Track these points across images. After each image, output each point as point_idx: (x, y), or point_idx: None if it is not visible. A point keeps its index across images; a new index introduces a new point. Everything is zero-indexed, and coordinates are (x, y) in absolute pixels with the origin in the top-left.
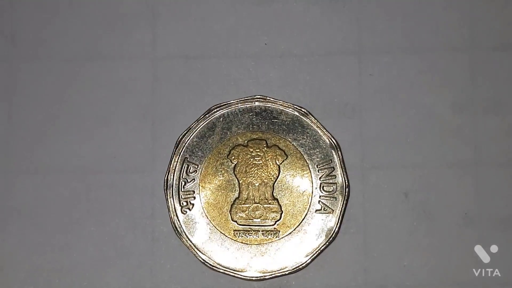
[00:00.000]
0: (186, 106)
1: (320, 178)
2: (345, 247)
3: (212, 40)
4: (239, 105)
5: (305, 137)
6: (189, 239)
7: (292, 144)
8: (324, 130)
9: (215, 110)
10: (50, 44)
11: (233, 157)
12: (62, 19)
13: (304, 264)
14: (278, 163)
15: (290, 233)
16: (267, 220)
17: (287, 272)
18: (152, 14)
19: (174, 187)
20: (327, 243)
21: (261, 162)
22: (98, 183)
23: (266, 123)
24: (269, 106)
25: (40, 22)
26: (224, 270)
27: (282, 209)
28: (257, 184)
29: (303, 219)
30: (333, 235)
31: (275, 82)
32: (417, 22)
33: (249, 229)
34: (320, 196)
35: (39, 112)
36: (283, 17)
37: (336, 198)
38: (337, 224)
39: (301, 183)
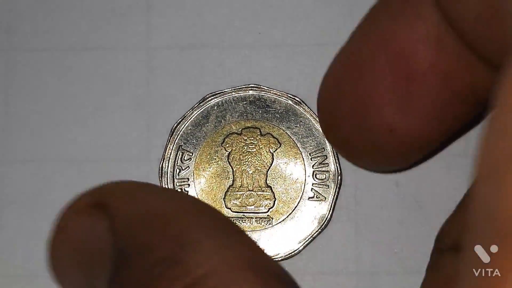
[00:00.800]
0: (181, 95)
1: (313, 166)
2: (337, 234)
3: (207, 30)
4: (233, 93)
5: (298, 125)
6: None
7: (286, 133)
8: (317, 119)
9: (210, 98)
10: (45, 35)
11: (227, 145)
12: (58, 10)
13: (296, 251)
14: (271, 151)
15: (283, 220)
16: (260, 207)
17: (280, 259)
18: (146, 5)
19: (168, 174)
20: (320, 230)
21: (254, 150)
22: (94, 171)
23: (260, 111)
24: (263, 95)
25: (36, 13)
26: None
27: (276, 197)
28: (250, 172)
29: (296, 206)
30: (325, 223)
31: (269, 71)
32: None
33: (242, 216)
34: (312, 184)
35: (35, 102)
36: (276, 7)
37: (328, 186)
38: (330, 211)
39: (294, 171)
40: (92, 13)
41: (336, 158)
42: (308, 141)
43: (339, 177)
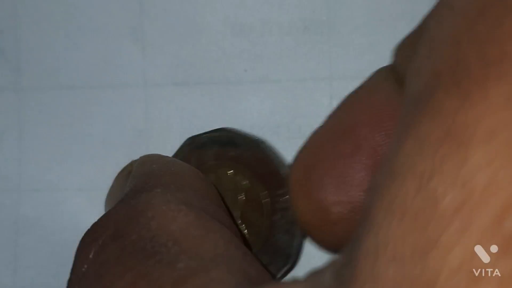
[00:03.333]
0: (175, 127)
1: (280, 203)
2: (311, 254)
3: (197, 69)
4: (208, 138)
5: (266, 166)
6: None
7: (256, 172)
8: (283, 162)
9: (188, 143)
10: (51, 75)
11: None
12: (63, 51)
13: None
14: (243, 189)
15: (255, 253)
16: None
17: None
18: (142, 46)
19: None
20: (292, 263)
21: (228, 188)
22: (100, 199)
23: (233, 153)
24: (235, 138)
25: (42, 55)
26: None
27: (249, 233)
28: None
29: (267, 242)
30: (295, 257)
31: (255, 105)
32: (381, 53)
33: None
34: (281, 220)
35: (46, 136)
36: (260, 46)
37: (296, 222)
38: (299, 244)
39: (264, 208)
40: (94, 54)
41: None
42: (276, 180)
43: None
